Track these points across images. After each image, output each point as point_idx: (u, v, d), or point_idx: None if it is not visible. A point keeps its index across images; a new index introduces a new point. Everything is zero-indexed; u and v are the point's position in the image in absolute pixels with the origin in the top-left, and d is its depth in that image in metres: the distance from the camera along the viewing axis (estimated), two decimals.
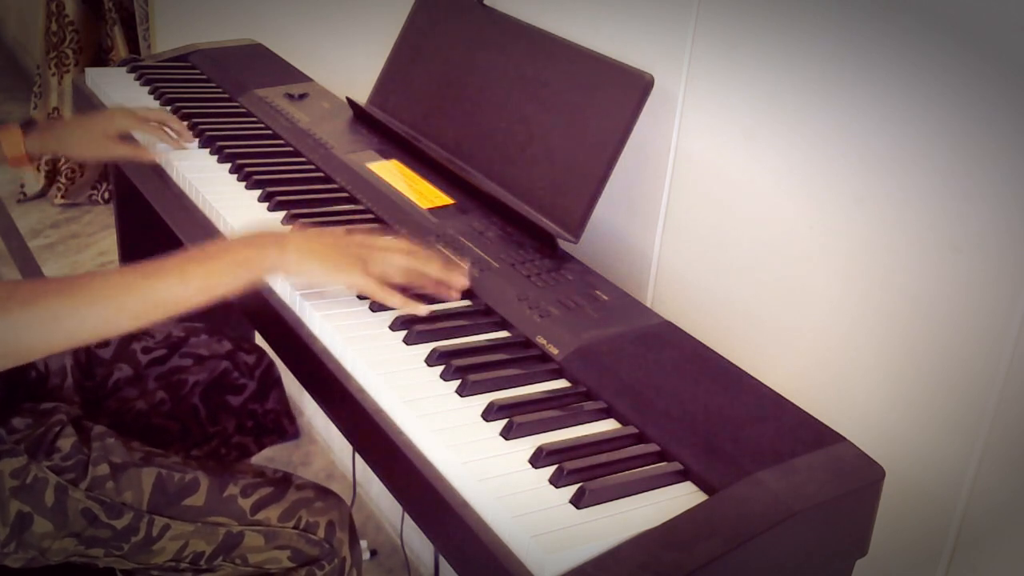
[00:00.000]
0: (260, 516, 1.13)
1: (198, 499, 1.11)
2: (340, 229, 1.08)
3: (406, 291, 1.04)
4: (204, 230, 1.27)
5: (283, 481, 1.17)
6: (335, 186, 1.34)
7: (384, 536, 2.01)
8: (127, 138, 1.42)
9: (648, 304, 1.19)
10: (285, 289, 1.08)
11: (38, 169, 3.30)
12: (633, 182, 1.23)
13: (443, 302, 1.07)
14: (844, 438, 0.87)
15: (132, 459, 1.11)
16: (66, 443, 1.09)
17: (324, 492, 1.19)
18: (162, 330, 1.38)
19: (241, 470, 1.17)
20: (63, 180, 3.31)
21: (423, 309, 1.03)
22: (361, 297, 1.06)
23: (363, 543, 1.88)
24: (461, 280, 1.08)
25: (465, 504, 0.81)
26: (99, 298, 0.93)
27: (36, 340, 0.90)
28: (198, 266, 0.97)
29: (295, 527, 1.14)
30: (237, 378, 1.39)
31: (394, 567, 1.93)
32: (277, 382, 1.44)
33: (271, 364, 1.44)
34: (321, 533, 1.15)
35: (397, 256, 1.05)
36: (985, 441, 0.91)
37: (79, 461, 1.08)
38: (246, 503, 1.13)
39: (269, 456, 2.05)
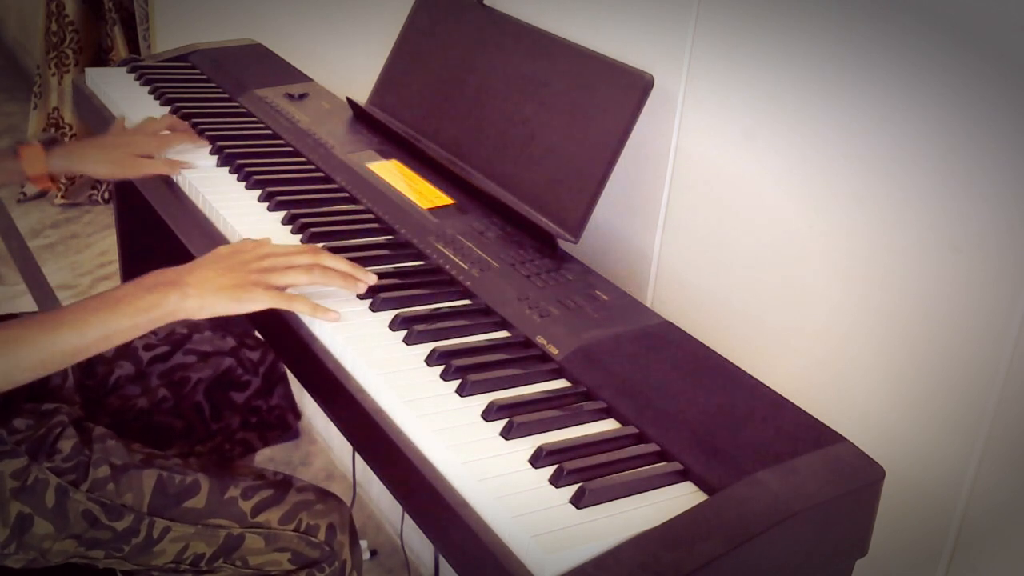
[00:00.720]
0: (261, 518, 1.13)
1: (199, 501, 1.11)
2: (234, 248, 1.06)
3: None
4: (204, 230, 1.27)
5: (284, 483, 1.17)
6: (335, 186, 1.34)
7: (384, 536, 2.01)
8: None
9: (648, 304, 1.19)
10: None
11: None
12: (633, 182, 1.23)
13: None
14: (844, 438, 0.87)
15: (133, 461, 1.11)
16: (67, 444, 1.09)
17: (325, 494, 1.19)
18: (164, 327, 1.38)
19: (242, 472, 1.17)
20: (63, 180, 3.31)
21: (332, 315, 1.02)
22: (362, 297, 1.06)
23: (363, 543, 1.88)
24: (371, 275, 1.07)
25: (465, 504, 0.81)
26: None
27: None
28: (95, 315, 0.97)
29: (296, 529, 1.14)
30: (241, 375, 1.39)
31: (394, 567, 1.93)
32: (282, 378, 1.44)
33: (275, 360, 1.43)
34: (322, 535, 1.15)
35: (297, 259, 1.04)
36: (985, 441, 0.91)
37: (80, 463, 1.08)
38: (247, 505, 1.13)
39: (269, 456, 2.06)
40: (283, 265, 1.03)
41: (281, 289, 1.02)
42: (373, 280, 1.07)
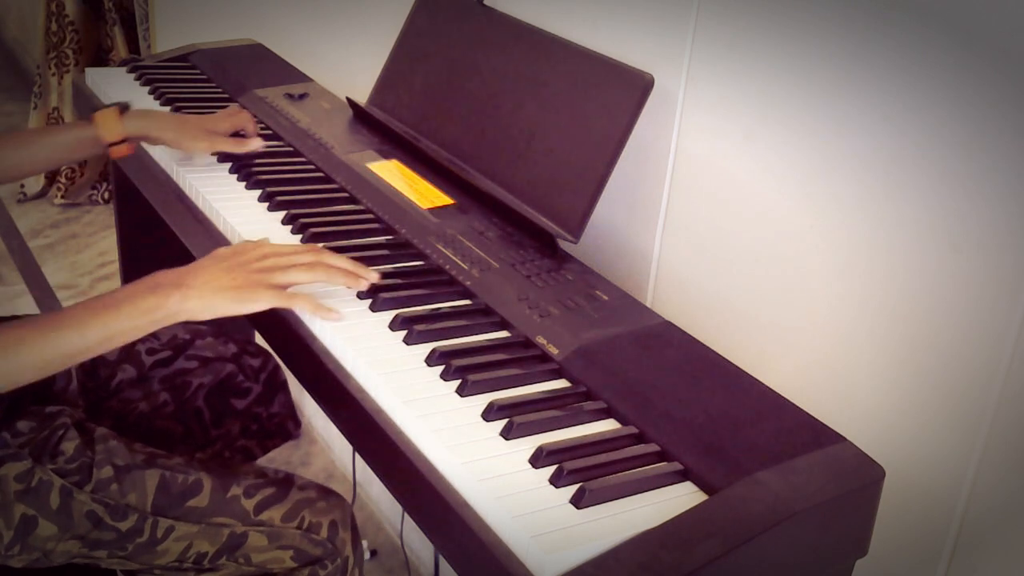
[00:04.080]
0: (263, 516, 1.13)
1: (201, 500, 1.11)
2: (234, 249, 1.05)
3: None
4: (204, 230, 1.27)
5: (285, 481, 1.17)
6: (335, 186, 1.34)
7: (384, 536, 2.01)
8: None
9: (648, 304, 1.19)
10: None
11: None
12: (633, 182, 1.23)
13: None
14: (844, 438, 0.87)
15: (135, 461, 1.11)
16: (70, 446, 1.09)
17: (326, 492, 1.19)
18: (167, 332, 1.38)
19: (244, 471, 1.18)
20: (63, 180, 3.31)
21: (334, 315, 1.01)
22: (362, 296, 1.06)
23: (364, 543, 1.88)
24: (373, 272, 1.07)
25: (465, 504, 0.81)
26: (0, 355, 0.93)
27: None
28: (96, 317, 0.96)
29: (298, 527, 1.14)
30: (242, 381, 1.39)
31: (394, 567, 1.93)
32: (283, 386, 1.44)
33: (277, 367, 1.43)
34: (324, 533, 1.16)
35: (298, 258, 1.04)
36: (985, 441, 0.91)
37: (83, 464, 1.08)
38: (249, 504, 1.13)
39: (269, 456, 2.05)
40: (285, 264, 1.03)
41: (283, 288, 1.02)
42: (375, 278, 1.06)
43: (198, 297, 0.99)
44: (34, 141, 1.32)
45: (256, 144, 1.39)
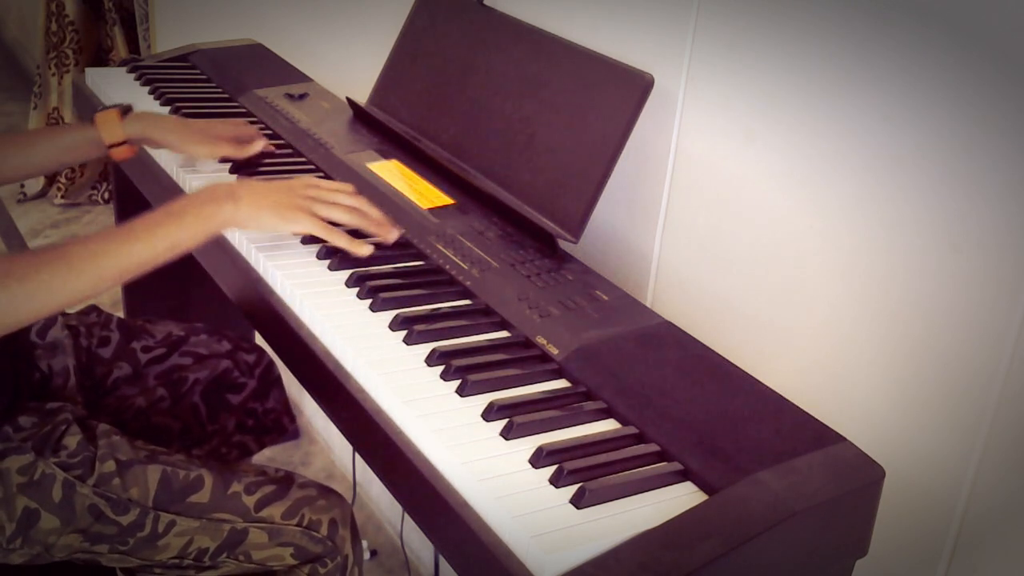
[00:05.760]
0: (264, 513, 1.14)
1: (203, 496, 1.12)
2: (285, 178, 1.16)
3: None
4: None
5: (286, 479, 1.18)
6: None
7: (384, 536, 2.01)
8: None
9: (648, 304, 1.19)
10: (285, 288, 1.08)
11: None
12: (633, 182, 1.23)
13: (384, 246, 1.15)
14: (844, 438, 0.87)
15: (137, 456, 1.12)
16: (72, 440, 1.09)
17: (326, 490, 1.20)
18: (162, 330, 1.38)
19: (244, 468, 1.18)
20: (63, 180, 3.31)
21: (366, 250, 1.12)
22: (362, 296, 1.06)
23: (363, 543, 1.88)
24: (396, 231, 1.17)
25: (465, 504, 0.81)
26: (83, 266, 0.99)
27: (30, 310, 0.97)
28: (163, 227, 1.04)
29: (298, 524, 1.15)
30: (237, 377, 1.39)
31: (394, 567, 1.93)
32: (277, 381, 1.44)
33: (271, 363, 1.44)
34: (324, 531, 1.16)
35: (340, 197, 1.14)
36: (985, 441, 0.91)
37: (86, 458, 1.09)
38: (250, 500, 1.13)
39: (269, 456, 2.06)
40: (327, 199, 1.13)
41: (322, 219, 1.11)
42: (398, 235, 1.16)
43: (248, 207, 1.08)
44: (35, 143, 1.32)
45: (258, 148, 1.39)
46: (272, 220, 1.09)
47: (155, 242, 1.03)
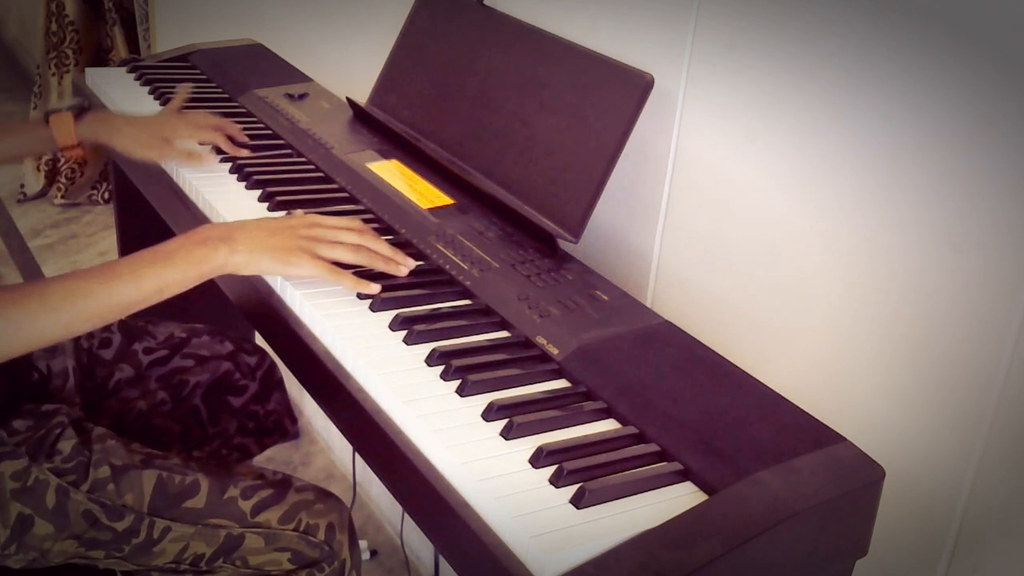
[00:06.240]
0: (260, 518, 1.13)
1: (199, 501, 1.11)
2: (279, 217, 1.11)
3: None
4: None
5: (283, 483, 1.17)
6: (335, 186, 1.34)
7: (384, 536, 2.01)
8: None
9: (648, 304, 1.19)
10: (286, 289, 1.08)
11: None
12: (633, 182, 1.23)
13: (394, 279, 1.09)
14: (844, 438, 0.87)
15: (133, 461, 1.11)
16: (67, 445, 1.09)
17: (324, 494, 1.19)
18: (163, 331, 1.38)
19: (241, 472, 1.17)
20: (63, 180, 3.31)
21: (374, 288, 1.05)
22: (362, 297, 1.06)
23: (363, 543, 1.89)
24: (410, 261, 1.11)
25: (465, 504, 0.81)
26: (58, 305, 0.95)
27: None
28: (151, 268, 0.99)
29: (295, 529, 1.14)
30: (239, 379, 1.39)
31: (394, 567, 1.93)
32: (279, 383, 1.44)
33: (273, 365, 1.44)
34: (321, 535, 1.15)
35: (344, 235, 1.08)
36: (985, 441, 0.91)
37: (80, 463, 1.08)
38: (246, 505, 1.13)
39: (269, 456, 2.06)
40: (331, 239, 1.07)
41: (326, 261, 1.05)
42: (412, 265, 1.11)
43: (245, 252, 1.03)
44: None
45: (201, 160, 1.36)
46: (271, 265, 1.04)
47: (141, 283, 0.98)
